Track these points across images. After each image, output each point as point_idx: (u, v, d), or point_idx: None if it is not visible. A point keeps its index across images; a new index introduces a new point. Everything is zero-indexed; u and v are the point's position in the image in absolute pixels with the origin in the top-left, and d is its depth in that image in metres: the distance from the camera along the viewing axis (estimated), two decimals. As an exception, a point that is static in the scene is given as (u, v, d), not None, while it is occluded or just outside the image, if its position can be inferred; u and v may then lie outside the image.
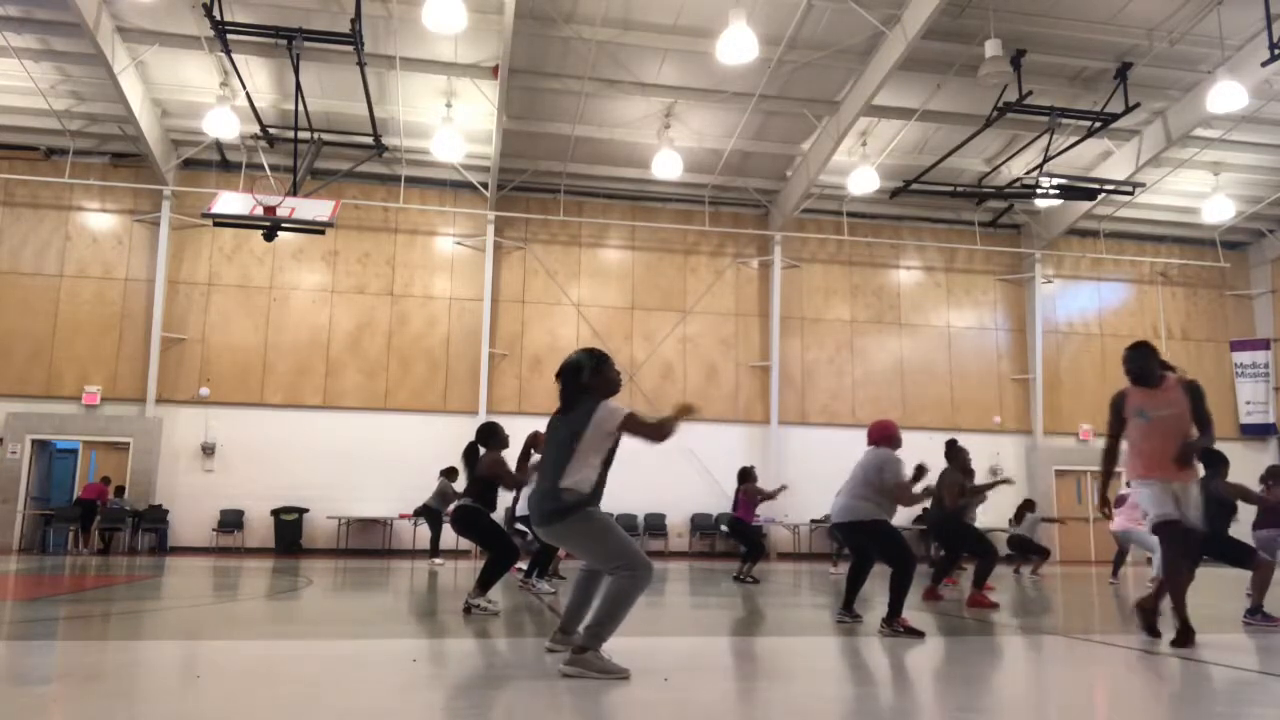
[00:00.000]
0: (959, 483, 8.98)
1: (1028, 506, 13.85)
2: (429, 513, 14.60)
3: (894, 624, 5.94)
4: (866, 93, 15.52)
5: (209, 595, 8.51)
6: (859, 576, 6.61)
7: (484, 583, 6.82)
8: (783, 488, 11.99)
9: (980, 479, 10.49)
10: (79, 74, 16.04)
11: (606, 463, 4.36)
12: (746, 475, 11.73)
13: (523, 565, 10.36)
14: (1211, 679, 4.47)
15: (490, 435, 7.34)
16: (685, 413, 4.36)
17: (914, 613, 7.20)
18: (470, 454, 7.46)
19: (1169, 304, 22.10)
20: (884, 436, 6.47)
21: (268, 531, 17.46)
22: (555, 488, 4.25)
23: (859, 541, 6.51)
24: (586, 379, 4.44)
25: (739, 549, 12.04)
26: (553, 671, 4.13)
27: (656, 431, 4.30)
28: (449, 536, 17.52)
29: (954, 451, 9.12)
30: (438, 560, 14.10)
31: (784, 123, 17.64)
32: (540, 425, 9.80)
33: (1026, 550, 13.35)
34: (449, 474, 14.45)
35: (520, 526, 10.33)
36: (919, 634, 5.84)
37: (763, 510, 12.32)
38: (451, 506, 8.35)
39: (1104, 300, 21.90)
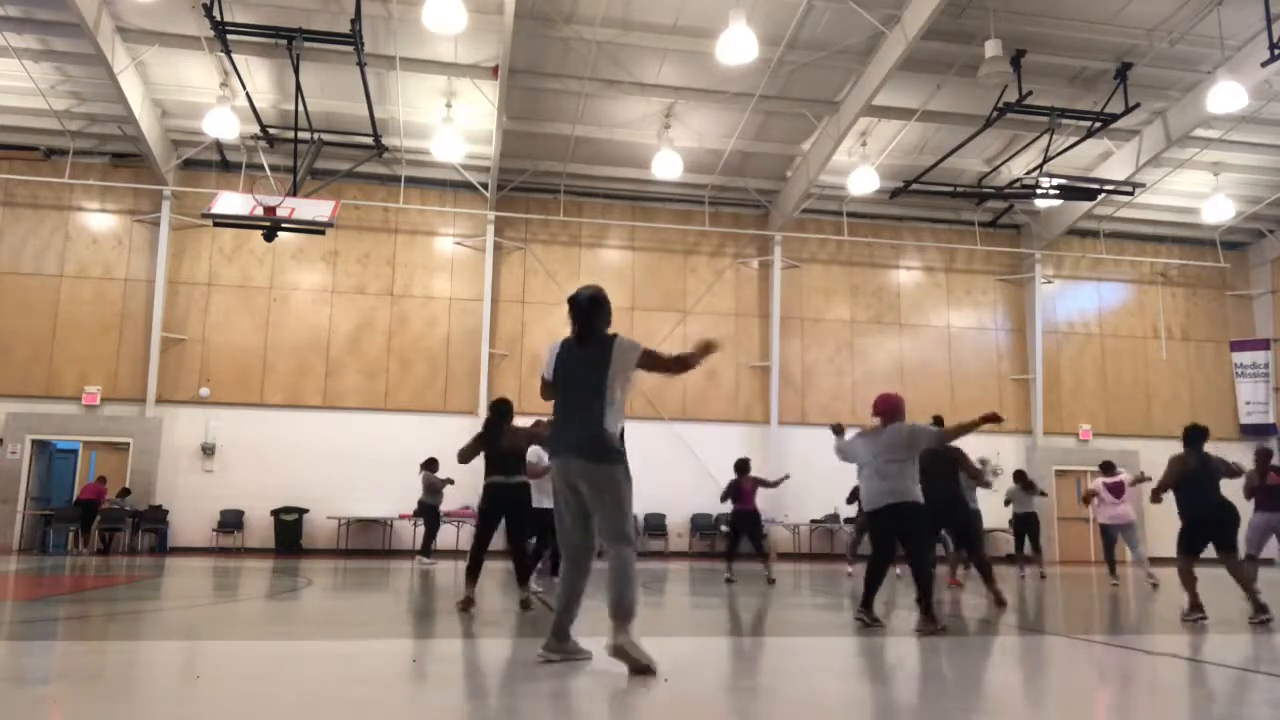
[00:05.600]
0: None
1: (1019, 478, 13.52)
2: (425, 509, 14.59)
3: (928, 622, 5.94)
4: (866, 93, 15.52)
5: (209, 596, 8.51)
6: (879, 573, 6.41)
7: (521, 577, 7.37)
8: (785, 476, 12.13)
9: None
10: (79, 74, 16.03)
11: (622, 409, 4.46)
12: (746, 466, 11.62)
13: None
14: (1211, 679, 4.47)
15: (510, 410, 7.50)
16: (707, 349, 4.49)
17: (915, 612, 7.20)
18: (495, 430, 7.43)
19: (1169, 304, 22.09)
20: (888, 409, 6.46)
21: (268, 532, 17.45)
22: (601, 431, 4.29)
23: (889, 529, 6.38)
24: (609, 313, 4.57)
25: (738, 549, 11.84)
26: (552, 671, 4.13)
27: (677, 365, 4.46)
28: (447, 537, 17.53)
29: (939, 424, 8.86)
30: (428, 560, 14.05)
31: (784, 123, 17.64)
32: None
33: (1030, 531, 13.09)
34: (429, 465, 14.46)
35: None
36: (944, 629, 5.94)
37: (762, 510, 12.22)
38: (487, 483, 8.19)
39: (1104, 300, 21.89)
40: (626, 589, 4.20)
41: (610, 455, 4.29)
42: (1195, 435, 7.28)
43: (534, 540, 9.51)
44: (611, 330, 4.57)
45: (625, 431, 4.46)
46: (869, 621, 6.21)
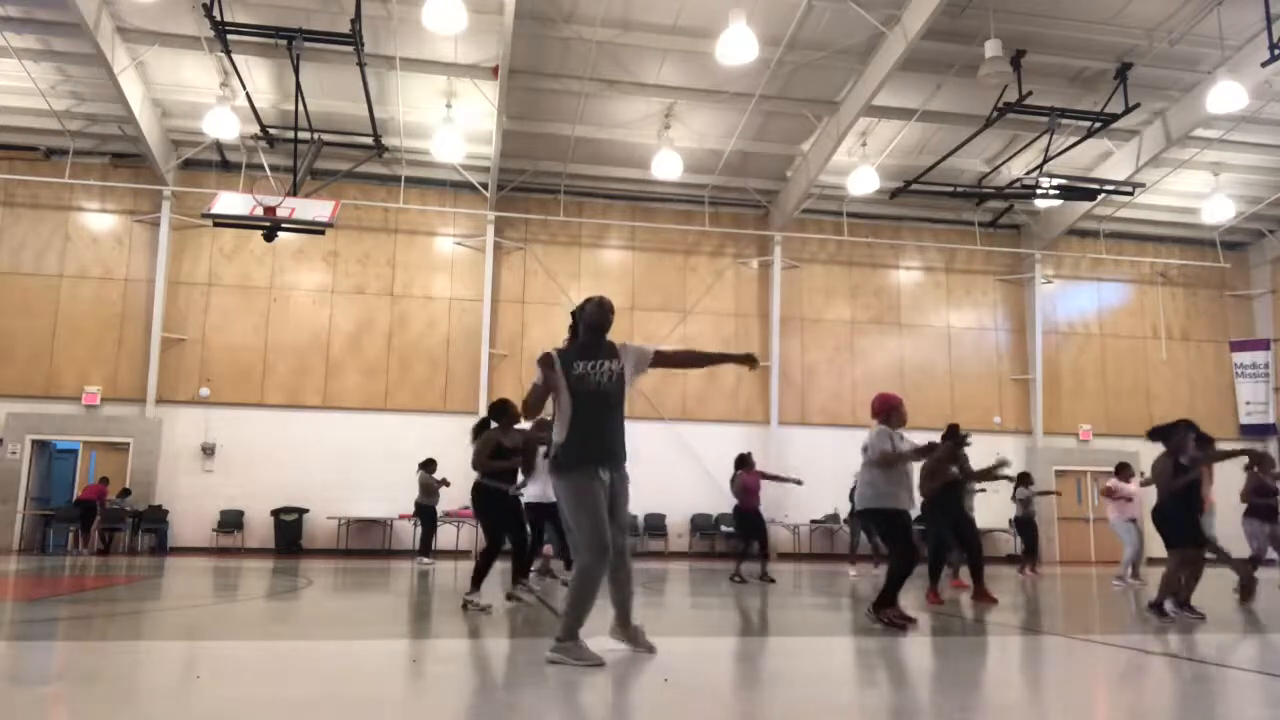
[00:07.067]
0: (945, 460, 8.62)
1: (1023, 481, 13.61)
2: (422, 510, 14.60)
3: (880, 613, 5.92)
4: (866, 93, 15.52)
5: (209, 596, 8.51)
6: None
7: (476, 580, 7.05)
8: (797, 481, 12.08)
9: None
10: (79, 74, 16.03)
11: (577, 417, 4.45)
12: (747, 460, 11.52)
13: None
14: (1210, 679, 4.47)
15: (504, 411, 7.43)
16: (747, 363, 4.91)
17: (920, 613, 7.19)
18: (482, 431, 7.47)
19: (1169, 304, 22.09)
20: (881, 409, 6.40)
21: (268, 532, 17.45)
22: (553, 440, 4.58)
23: (881, 529, 6.41)
24: (577, 323, 4.79)
25: (743, 547, 11.75)
26: (552, 671, 4.13)
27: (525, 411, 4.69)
28: (447, 538, 17.52)
29: (950, 435, 8.83)
30: (426, 560, 14.07)
31: (784, 123, 17.63)
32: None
33: (1028, 534, 13.24)
34: (427, 466, 14.48)
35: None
36: (903, 627, 5.83)
37: (762, 510, 12.15)
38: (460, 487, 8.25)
39: (1104, 300, 21.89)
40: (569, 607, 4.32)
41: (553, 466, 4.51)
42: (1153, 437, 7.38)
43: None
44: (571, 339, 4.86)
45: (579, 436, 4.47)
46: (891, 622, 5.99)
